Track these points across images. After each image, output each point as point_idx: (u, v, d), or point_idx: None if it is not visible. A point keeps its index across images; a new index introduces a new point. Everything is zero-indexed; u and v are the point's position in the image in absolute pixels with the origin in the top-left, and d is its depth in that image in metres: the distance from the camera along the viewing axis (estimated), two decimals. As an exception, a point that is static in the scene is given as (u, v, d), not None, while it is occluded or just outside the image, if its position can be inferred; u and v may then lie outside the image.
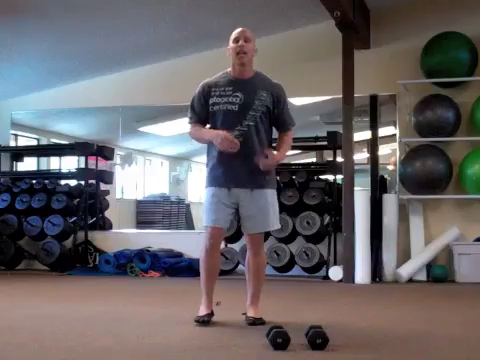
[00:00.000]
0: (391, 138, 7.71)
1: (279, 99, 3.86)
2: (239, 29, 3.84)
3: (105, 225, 8.57)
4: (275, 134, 3.97)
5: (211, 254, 3.87)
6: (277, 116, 3.87)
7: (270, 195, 3.86)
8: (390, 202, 6.98)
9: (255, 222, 3.81)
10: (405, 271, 6.70)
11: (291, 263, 6.94)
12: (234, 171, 3.77)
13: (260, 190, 3.80)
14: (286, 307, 4.76)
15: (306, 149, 8.63)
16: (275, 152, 3.83)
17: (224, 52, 3.88)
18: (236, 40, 3.79)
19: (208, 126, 3.92)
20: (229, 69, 3.87)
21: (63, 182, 8.60)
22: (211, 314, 3.84)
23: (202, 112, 3.86)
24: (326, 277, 6.81)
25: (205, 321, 3.76)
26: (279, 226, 3.99)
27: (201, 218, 4.01)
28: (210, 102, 3.82)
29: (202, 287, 3.91)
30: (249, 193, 3.79)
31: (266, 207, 3.82)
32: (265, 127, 3.85)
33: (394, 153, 7.80)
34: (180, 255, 7.70)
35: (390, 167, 7.90)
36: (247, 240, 3.93)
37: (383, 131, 7.80)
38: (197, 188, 11.02)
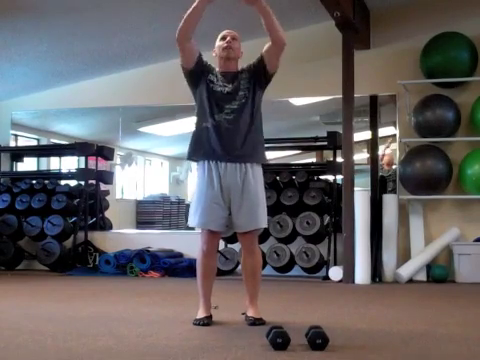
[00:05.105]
0: (391, 138, 7.71)
1: (255, 62, 3.89)
2: (226, 30, 3.94)
3: (105, 225, 8.57)
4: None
5: (207, 257, 3.87)
6: (262, 57, 3.86)
7: (260, 191, 3.85)
8: (390, 202, 6.98)
9: (246, 219, 3.79)
10: (405, 271, 6.70)
11: (291, 263, 6.94)
12: (224, 142, 3.77)
13: (250, 182, 3.79)
14: (286, 307, 4.76)
15: (306, 149, 8.63)
16: None
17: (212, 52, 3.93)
18: (223, 38, 3.90)
19: (196, 110, 3.92)
20: (217, 68, 3.94)
21: (63, 182, 8.61)
22: (209, 317, 3.84)
23: (197, 57, 3.84)
24: (326, 277, 6.81)
25: (204, 324, 3.75)
26: (266, 225, 3.98)
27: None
28: (208, 77, 3.85)
29: (199, 290, 3.90)
30: (240, 188, 3.77)
31: (256, 203, 3.81)
32: (256, 106, 3.87)
33: (391, 153, 7.80)
34: (180, 255, 7.71)
35: (384, 167, 7.87)
36: (240, 240, 3.93)
37: (383, 131, 7.80)
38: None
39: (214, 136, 3.79)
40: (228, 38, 3.88)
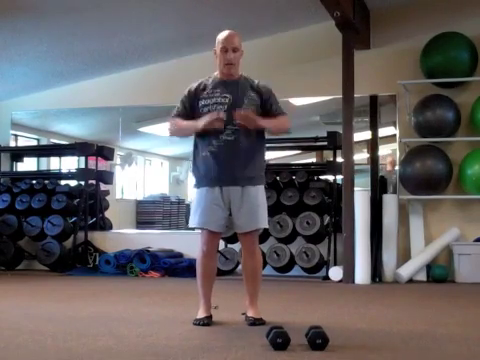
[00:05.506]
0: (391, 138, 7.71)
1: (268, 100, 3.86)
2: (226, 34, 3.81)
3: (105, 225, 8.57)
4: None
5: (207, 258, 3.87)
6: (268, 112, 3.86)
7: (260, 192, 3.85)
8: (390, 202, 6.98)
9: (246, 220, 3.79)
10: (405, 271, 6.70)
11: (291, 263, 6.94)
12: (226, 169, 3.76)
13: (250, 187, 3.80)
14: (286, 307, 4.76)
15: (306, 149, 8.63)
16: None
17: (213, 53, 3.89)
18: (224, 50, 3.78)
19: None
20: (216, 73, 3.90)
21: (63, 182, 8.61)
22: (210, 317, 3.84)
23: (190, 112, 3.86)
24: (326, 277, 6.81)
25: (204, 324, 3.76)
26: (267, 225, 3.98)
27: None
28: (199, 104, 3.82)
29: (199, 290, 3.91)
30: (240, 190, 3.78)
31: (256, 204, 3.81)
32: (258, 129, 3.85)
33: (392, 153, 7.79)
34: (180, 255, 7.71)
35: (387, 168, 7.87)
36: (241, 240, 3.92)
37: (383, 131, 7.80)
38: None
39: (214, 165, 3.77)
40: (228, 54, 3.77)
